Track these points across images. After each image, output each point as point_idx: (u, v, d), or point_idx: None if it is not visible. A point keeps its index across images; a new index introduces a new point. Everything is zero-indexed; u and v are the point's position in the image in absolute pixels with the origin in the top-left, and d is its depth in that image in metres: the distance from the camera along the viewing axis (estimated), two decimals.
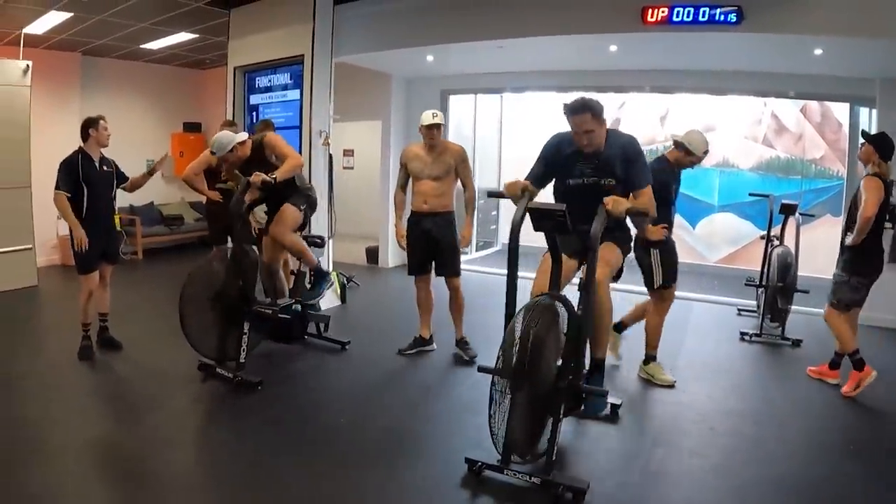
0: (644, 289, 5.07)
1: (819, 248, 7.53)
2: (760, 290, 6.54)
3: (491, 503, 3.24)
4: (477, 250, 10.64)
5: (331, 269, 7.40)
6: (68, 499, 3.21)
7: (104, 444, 3.84)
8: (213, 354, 4.81)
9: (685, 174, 5.03)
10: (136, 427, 4.10)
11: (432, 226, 5.24)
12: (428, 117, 5.19)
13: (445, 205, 5.25)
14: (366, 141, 11.11)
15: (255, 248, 5.08)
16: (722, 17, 5.57)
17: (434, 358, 5.50)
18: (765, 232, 6.70)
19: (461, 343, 5.47)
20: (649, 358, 5.01)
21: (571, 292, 3.54)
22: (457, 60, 8.12)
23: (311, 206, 5.27)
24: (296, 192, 5.11)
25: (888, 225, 4.86)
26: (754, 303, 7.03)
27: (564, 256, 3.55)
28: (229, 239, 5.58)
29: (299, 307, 5.36)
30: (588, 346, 3.60)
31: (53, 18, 7.60)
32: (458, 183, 5.36)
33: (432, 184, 5.21)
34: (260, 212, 5.42)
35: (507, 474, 3.33)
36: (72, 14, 7.48)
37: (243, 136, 4.98)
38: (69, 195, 5.09)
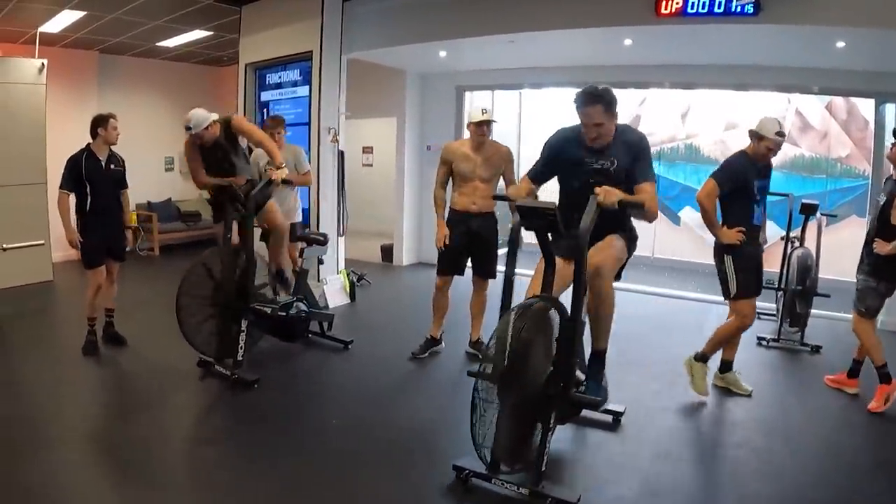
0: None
1: (844, 250, 7.24)
2: (779, 293, 6.34)
3: None
4: None
5: (342, 266, 7.36)
6: (63, 491, 3.23)
7: (100, 438, 3.87)
8: (211, 352, 4.79)
9: (708, 174, 4.70)
10: (133, 423, 4.10)
11: (480, 227, 5.14)
12: (478, 114, 5.04)
13: (491, 205, 5.12)
14: (385, 138, 11.06)
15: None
16: (738, 9, 5.36)
17: (439, 359, 5.41)
18: (783, 233, 6.49)
19: (478, 344, 5.37)
20: (700, 356, 4.68)
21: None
22: (470, 56, 8.00)
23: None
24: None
25: None
26: (773, 306, 6.80)
27: (562, 261, 3.41)
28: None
29: (303, 305, 5.31)
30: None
31: (67, 17, 7.66)
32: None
33: (482, 185, 5.08)
34: None
35: (494, 483, 3.22)
36: (85, 13, 7.52)
37: (215, 115, 5.03)
38: (72, 193, 5.12)
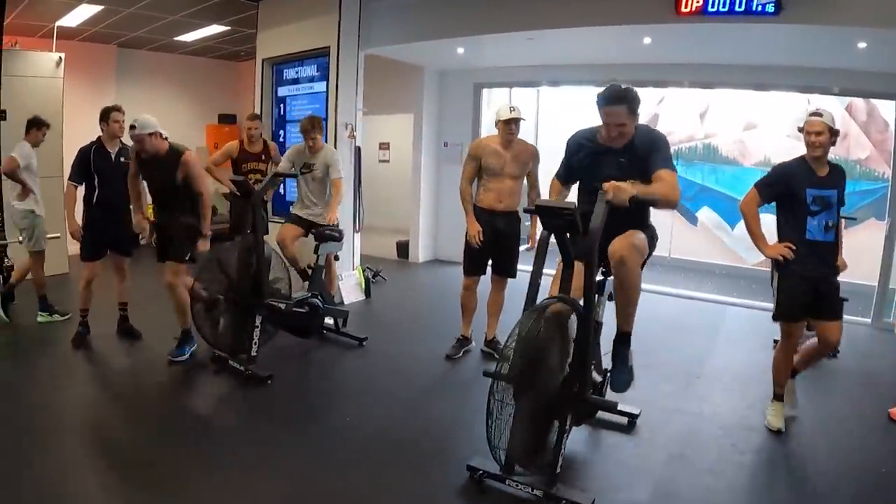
0: None
1: (863, 253, 7.19)
2: None
3: None
4: None
5: (357, 263, 7.35)
6: (70, 484, 3.25)
7: (111, 431, 3.88)
8: (225, 347, 4.81)
9: (727, 174, 4.52)
10: (144, 416, 4.14)
11: (504, 225, 5.11)
12: (506, 111, 5.01)
13: (516, 203, 5.13)
14: (402, 134, 11.02)
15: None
16: (759, 8, 5.30)
17: (455, 358, 5.37)
18: None
19: (493, 343, 5.36)
20: (774, 395, 4.27)
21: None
22: (488, 53, 7.96)
23: None
24: None
25: None
26: None
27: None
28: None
29: (318, 301, 5.31)
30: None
31: (85, 11, 7.71)
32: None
33: (510, 182, 5.07)
34: None
35: (508, 485, 3.21)
36: (103, 7, 7.56)
37: (163, 132, 4.85)
38: (80, 185, 5.16)
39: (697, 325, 6.55)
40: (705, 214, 9.80)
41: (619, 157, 3.44)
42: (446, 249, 9.68)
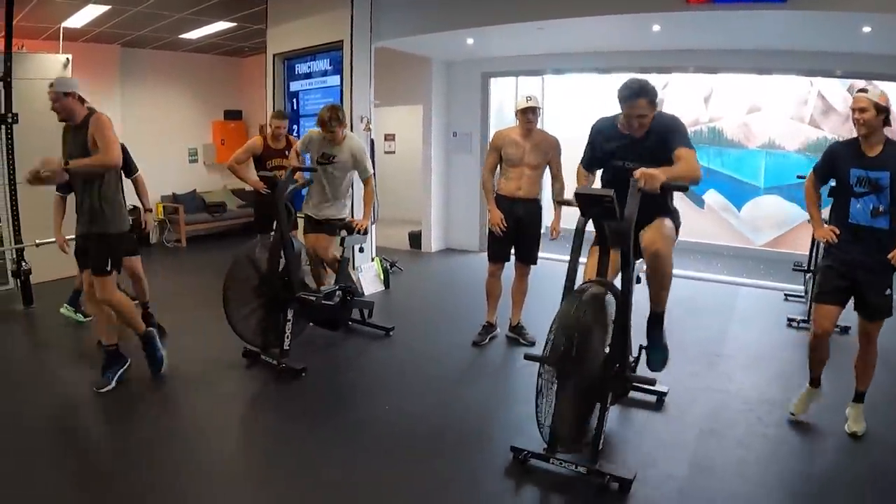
0: None
1: None
2: (808, 275, 6.39)
3: (536, 492, 3.24)
4: None
5: (374, 254, 7.43)
6: (118, 483, 3.26)
7: (149, 430, 3.88)
8: (258, 342, 4.85)
9: (732, 156, 4.56)
10: (182, 413, 4.20)
11: (524, 212, 5.20)
12: (522, 101, 5.11)
13: (536, 192, 5.23)
14: (407, 125, 11.10)
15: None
16: None
17: (481, 345, 5.46)
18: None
19: (518, 328, 5.46)
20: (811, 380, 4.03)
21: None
22: (497, 43, 8.01)
23: None
24: None
25: None
26: (801, 288, 6.86)
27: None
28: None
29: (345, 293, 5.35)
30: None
31: (91, 12, 7.72)
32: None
33: (529, 172, 5.16)
34: None
35: (552, 463, 3.30)
36: (110, 7, 7.58)
37: (83, 97, 4.35)
38: (65, 194, 5.03)
39: (711, 306, 6.65)
40: (711, 197, 9.89)
41: (640, 144, 3.57)
42: (458, 239, 9.78)
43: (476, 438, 3.79)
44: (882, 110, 3.53)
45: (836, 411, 4.00)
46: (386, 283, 7.36)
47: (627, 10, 6.01)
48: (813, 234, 6.20)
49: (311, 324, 5.37)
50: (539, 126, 5.30)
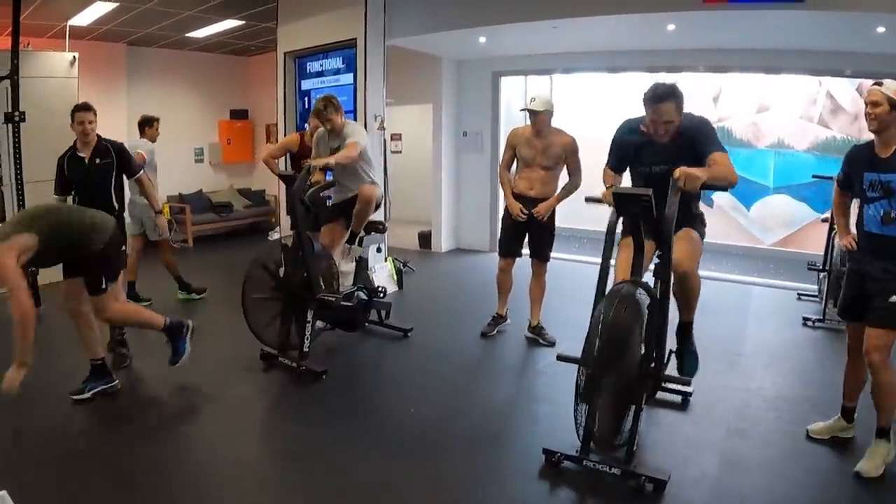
0: None
1: None
2: (822, 274, 6.38)
3: (571, 494, 3.19)
4: None
5: (386, 254, 7.39)
6: (138, 493, 3.20)
7: (166, 436, 3.81)
8: (276, 344, 4.79)
9: (741, 156, 4.39)
10: (201, 418, 4.12)
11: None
12: (526, 103, 5.13)
13: (551, 192, 5.20)
14: (414, 125, 11.03)
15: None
16: None
17: (499, 344, 5.44)
18: (826, 215, 6.52)
19: (537, 329, 5.42)
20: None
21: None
22: (509, 42, 7.96)
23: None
24: None
25: None
26: (814, 287, 6.87)
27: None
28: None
29: (363, 294, 5.31)
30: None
31: (98, 9, 7.68)
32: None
33: (542, 172, 5.15)
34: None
35: (586, 465, 3.25)
36: (117, 4, 7.54)
37: None
38: (63, 196, 4.83)
39: (726, 306, 6.62)
40: (721, 196, 9.86)
41: (665, 147, 3.51)
42: (468, 239, 9.74)
43: (506, 440, 3.76)
44: None
45: (863, 406, 3.90)
46: (399, 283, 7.31)
47: (645, 9, 5.98)
48: (828, 234, 6.29)
49: (326, 327, 5.29)
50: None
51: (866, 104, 3.31)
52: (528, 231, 5.26)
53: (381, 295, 5.51)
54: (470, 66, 9.33)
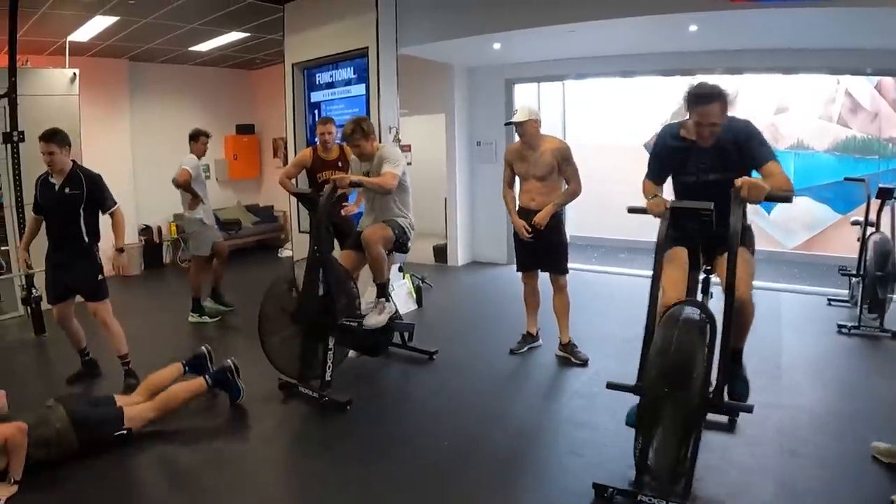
0: None
1: None
2: (856, 279, 6.19)
3: None
4: None
5: (402, 269, 7.18)
6: None
7: (184, 479, 3.61)
8: (296, 373, 4.55)
9: None
10: (219, 457, 3.85)
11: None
12: (511, 116, 5.00)
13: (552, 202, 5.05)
14: (423, 136, 10.84)
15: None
16: None
17: (531, 363, 5.24)
18: (855, 217, 6.40)
19: (568, 347, 5.22)
20: None
21: None
22: (523, 48, 7.79)
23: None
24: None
25: None
26: (845, 292, 6.69)
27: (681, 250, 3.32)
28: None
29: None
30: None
31: (98, 24, 7.50)
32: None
33: (538, 184, 5.03)
34: None
35: (640, 500, 3.03)
36: (118, 18, 7.34)
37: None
38: (40, 215, 4.79)
39: (758, 314, 6.39)
40: None
41: (708, 152, 3.34)
42: (484, 251, 9.54)
43: (550, 474, 3.54)
44: None
45: None
46: (418, 300, 7.07)
47: (669, 9, 5.78)
48: (860, 238, 6.10)
49: (359, 356, 5.09)
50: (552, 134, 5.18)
51: None
52: (538, 246, 5.10)
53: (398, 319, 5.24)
54: (482, 73, 9.14)
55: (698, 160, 3.37)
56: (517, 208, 5.18)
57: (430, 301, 7.37)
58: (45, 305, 6.11)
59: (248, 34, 8.59)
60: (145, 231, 10.10)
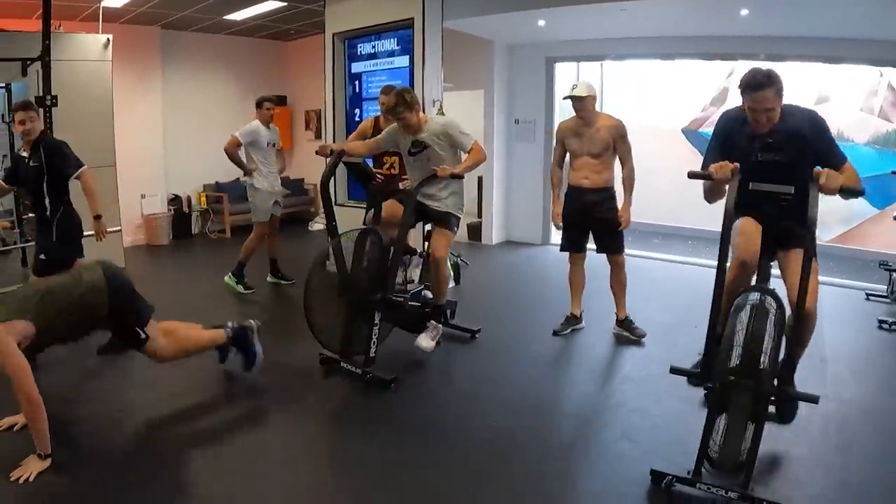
0: None
1: None
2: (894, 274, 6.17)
3: None
4: None
5: None
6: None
7: (222, 450, 3.56)
8: (340, 348, 4.48)
9: None
10: (260, 434, 3.81)
11: (593, 201, 5.03)
12: (567, 90, 4.92)
13: (607, 180, 5.05)
14: (460, 112, 10.71)
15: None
16: None
17: (576, 345, 5.20)
18: None
19: (625, 323, 5.24)
20: None
21: None
22: (566, 25, 7.70)
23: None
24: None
25: None
26: (883, 287, 6.63)
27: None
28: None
29: (429, 293, 4.94)
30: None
31: None
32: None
33: (591, 161, 4.98)
34: None
35: (699, 488, 2.97)
36: None
37: None
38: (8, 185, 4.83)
39: None
40: None
41: (767, 139, 3.28)
42: (519, 231, 9.50)
43: (603, 460, 3.47)
44: None
45: None
46: (456, 278, 7.00)
47: None
48: None
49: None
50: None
51: None
52: (590, 226, 5.10)
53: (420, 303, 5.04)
54: (522, 51, 9.02)
55: (760, 146, 3.31)
56: (566, 187, 5.15)
57: (466, 279, 7.33)
58: None
59: (286, 3, 8.48)
60: (174, 201, 10.12)
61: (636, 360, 4.85)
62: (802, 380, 4.31)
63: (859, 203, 8.99)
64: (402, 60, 6.74)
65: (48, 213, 4.61)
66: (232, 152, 6.49)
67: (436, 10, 6.37)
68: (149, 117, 9.63)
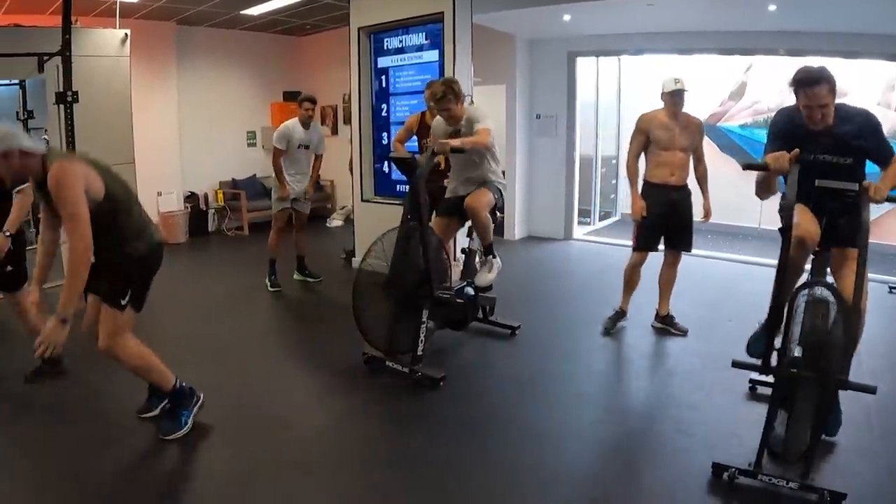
0: None
1: None
2: None
3: None
4: (600, 220, 10.47)
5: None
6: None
7: (273, 450, 3.52)
8: (387, 346, 4.45)
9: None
10: (308, 434, 3.76)
11: (679, 199, 5.05)
12: (671, 83, 4.91)
13: (686, 177, 5.09)
14: (482, 106, 10.75)
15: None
16: None
17: (619, 341, 5.22)
18: None
19: (668, 319, 5.29)
20: None
21: None
22: (590, 21, 7.70)
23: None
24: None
25: None
26: None
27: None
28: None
29: (472, 290, 4.96)
30: None
31: None
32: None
33: (681, 155, 5.00)
34: None
35: (760, 479, 3.01)
36: None
37: (38, 147, 3.15)
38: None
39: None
40: None
41: (822, 137, 3.33)
42: (541, 226, 9.51)
43: (663, 454, 3.48)
44: None
45: None
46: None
47: None
48: None
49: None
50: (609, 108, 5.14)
51: None
52: (669, 222, 5.08)
53: (463, 299, 5.07)
54: (543, 45, 9.02)
55: (816, 143, 3.34)
56: (647, 184, 5.09)
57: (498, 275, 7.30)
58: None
59: None
60: (191, 198, 10.09)
61: (677, 355, 4.87)
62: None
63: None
64: (431, 55, 6.68)
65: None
66: (278, 167, 6.43)
67: (465, 3, 6.34)
68: (164, 114, 9.62)
